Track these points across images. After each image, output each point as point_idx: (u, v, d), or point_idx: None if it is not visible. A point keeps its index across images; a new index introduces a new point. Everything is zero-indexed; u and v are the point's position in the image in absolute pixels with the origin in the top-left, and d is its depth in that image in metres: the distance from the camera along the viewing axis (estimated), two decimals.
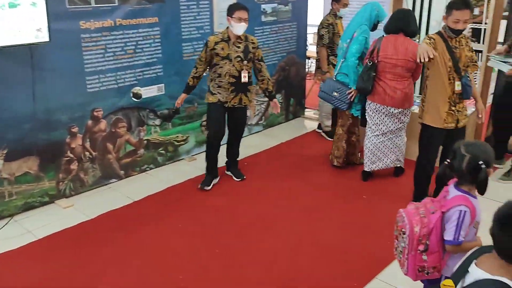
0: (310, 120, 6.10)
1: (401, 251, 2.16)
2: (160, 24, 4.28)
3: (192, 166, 4.64)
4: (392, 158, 4.24)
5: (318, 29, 5.09)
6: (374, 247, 3.26)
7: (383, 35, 4.02)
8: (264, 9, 5.25)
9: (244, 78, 3.94)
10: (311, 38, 7.74)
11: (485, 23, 4.71)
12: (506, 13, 4.78)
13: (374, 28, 4.31)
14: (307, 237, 3.43)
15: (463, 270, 1.56)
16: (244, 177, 4.36)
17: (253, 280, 2.96)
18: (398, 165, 4.33)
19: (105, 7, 3.88)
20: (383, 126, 4.11)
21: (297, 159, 4.88)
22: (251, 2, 5.07)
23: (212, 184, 4.16)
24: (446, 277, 1.92)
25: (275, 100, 4.21)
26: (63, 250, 3.28)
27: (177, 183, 4.30)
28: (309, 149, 5.14)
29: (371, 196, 4.04)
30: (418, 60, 3.19)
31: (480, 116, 3.62)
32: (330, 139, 5.31)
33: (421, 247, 2.07)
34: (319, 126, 5.59)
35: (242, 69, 3.92)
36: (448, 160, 2.09)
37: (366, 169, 4.30)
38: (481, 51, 4.71)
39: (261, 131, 5.67)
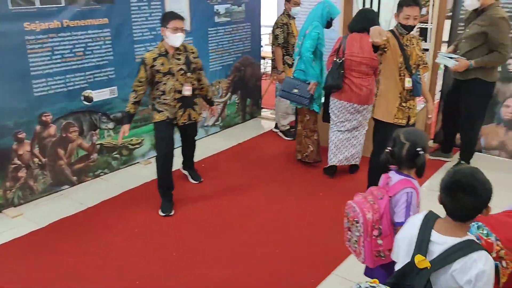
0: (267, 120, 6.13)
1: (356, 241, 2.20)
2: (110, 25, 4.18)
3: (148, 169, 4.55)
4: (352, 153, 4.33)
5: (273, 29, 5.13)
6: (331, 243, 3.31)
7: (347, 34, 4.09)
8: (217, 10, 5.23)
9: (187, 91, 3.65)
10: (266, 39, 7.79)
11: (431, 23, 4.87)
12: (450, 14, 4.98)
13: (328, 25, 4.38)
14: (265, 235, 3.44)
15: (425, 241, 1.66)
16: (202, 179, 4.31)
17: (212, 279, 2.95)
18: (356, 163, 4.42)
19: (51, 7, 3.74)
20: (348, 123, 4.20)
21: (255, 158, 4.90)
22: (204, 3, 5.06)
23: (173, 209, 3.81)
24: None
25: (214, 107, 4.13)
26: (13, 261, 3.14)
27: (132, 187, 4.22)
28: (267, 149, 5.17)
29: (328, 193, 4.10)
30: (370, 40, 3.23)
31: (429, 116, 3.75)
32: (287, 138, 5.37)
33: (375, 232, 2.13)
34: (276, 126, 5.63)
35: (187, 82, 3.65)
36: (389, 148, 2.20)
37: (330, 163, 4.37)
38: (427, 50, 4.89)
39: (218, 132, 5.65)
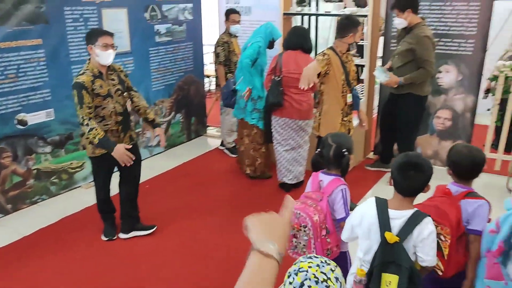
0: (213, 138, 6.13)
1: (304, 245, 2.30)
2: (45, 46, 4.05)
3: (90, 193, 4.38)
4: (300, 170, 4.40)
5: (215, 48, 5.18)
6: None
7: (282, 52, 4.19)
8: (157, 29, 5.21)
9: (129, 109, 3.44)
10: (209, 57, 7.83)
11: (366, 40, 5.10)
12: (383, 31, 5.24)
13: (270, 46, 4.50)
14: (213, 253, 3.41)
15: (386, 220, 1.97)
16: (155, 227, 3.74)
17: None
18: (302, 179, 4.49)
19: None
20: (292, 141, 4.27)
21: (201, 177, 4.87)
22: (144, 23, 5.03)
23: (116, 233, 3.66)
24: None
25: (158, 129, 3.58)
26: None
27: (73, 213, 4.06)
28: (213, 166, 5.15)
29: (276, 208, 4.13)
30: (301, 86, 3.40)
31: (364, 124, 3.94)
32: (233, 155, 5.38)
33: (323, 232, 2.29)
34: (222, 143, 5.64)
35: (126, 102, 3.41)
36: (319, 150, 2.46)
37: (280, 180, 4.45)
38: (363, 65, 5.11)
39: (162, 152, 5.57)
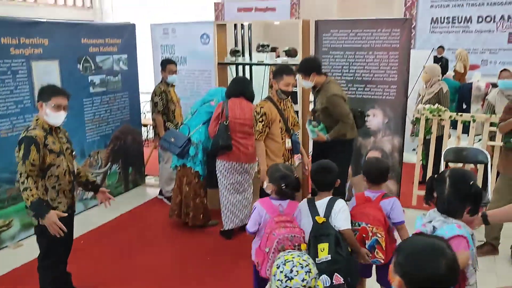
0: (152, 187, 6.02)
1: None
2: None
3: (18, 254, 4.14)
4: (245, 213, 4.43)
5: (152, 97, 5.20)
6: None
7: (226, 99, 4.33)
8: (92, 80, 5.17)
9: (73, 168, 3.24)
10: (147, 106, 7.82)
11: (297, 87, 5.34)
12: None
13: None
14: None
15: (314, 207, 2.76)
16: None
17: None
18: (246, 222, 4.50)
19: None
20: (238, 184, 4.32)
21: (140, 228, 4.74)
22: (77, 74, 4.98)
23: None
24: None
25: (103, 189, 3.46)
26: None
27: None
28: (152, 217, 5.04)
29: (216, 257, 4.10)
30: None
31: (306, 168, 4.09)
32: None
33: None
34: (161, 192, 5.56)
35: (74, 162, 3.26)
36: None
37: (225, 227, 4.42)
38: (297, 111, 5.31)
39: (98, 205, 5.35)
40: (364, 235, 2.77)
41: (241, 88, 4.34)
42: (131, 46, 5.71)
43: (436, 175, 2.26)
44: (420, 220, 2.21)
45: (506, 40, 13.65)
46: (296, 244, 2.61)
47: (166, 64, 5.17)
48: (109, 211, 5.08)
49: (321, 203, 2.75)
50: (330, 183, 2.80)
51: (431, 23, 14.51)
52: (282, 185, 2.80)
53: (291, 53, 5.36)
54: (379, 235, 2.71)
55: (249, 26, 5.69)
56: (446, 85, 5.42)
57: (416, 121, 4.93)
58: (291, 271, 1.78)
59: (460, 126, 4.71)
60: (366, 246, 2.77)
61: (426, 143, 4.95)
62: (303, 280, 1.76)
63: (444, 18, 14.34)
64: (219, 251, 4.22)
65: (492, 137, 4.62)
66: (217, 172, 4.38)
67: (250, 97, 4.38)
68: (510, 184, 3.80)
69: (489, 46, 14.41)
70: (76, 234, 4.17)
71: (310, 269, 1.80)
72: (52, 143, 2.99)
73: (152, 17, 6.10)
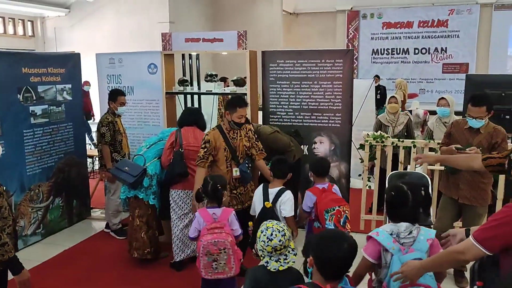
0: (98, 221, 5.79)
1: (225, 263, 3.09)
2: None
3: None
4: (196, 244, 4.33)
5: (98, 128, 5.06)
6: None
7: (179, 128, 4.33)
8: (33, 111, 4.97)
9: None
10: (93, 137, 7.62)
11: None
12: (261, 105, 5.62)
13: None
14: None
15: (266, 194, 3.55)
16: None
17: None
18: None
19: None
20: (191, 214, 4.24)
21: (86, 264, 4.53)
22: (17, 104, 4.78)
23: None
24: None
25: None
26: None
27: None
28: (99, 252, 4.83)
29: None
30: None
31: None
32: (120, 237, 5.13)
33: (235, 246, 3.13)
34: (107, 226, 5.36)
35: None
36: (200, 187, 3.41)
37: (177, 259, 4.30)
38: None
39: (39, 241, 5.11)
40: (339, 216, 3.34)
41: (193, 118, 4.41)
42: (76, 76, 5.58)
43: (392, 192, 2.47)
44: (389, 237, 2.34)
45: (440, 70, 14.58)
46: (221, 247, 3.05)
47: (117, 96, 5.07)
48: (52, 248, 4.89)
49: (273, 191, 3.52)
50: (283, 174, 3.55)
51: (372, 54, 15.28)
52: (200, 187, 3.41)
53: (239, 82, 5.44)
54: (347, 212, 3.40)
55: (197, 56, 5.74)
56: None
57: (361, 147, 5.10)
58: (271, 234, 2.40)
59: (402, 152, 4.92)
60: (341, 223, 3.33)
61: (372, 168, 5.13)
62: (279, 241, 2.39)
63: (384, 49, 15.15)
64: (170, 284, 4.10)
65: None
66: (171, 202, 4.30)
67: (203, 126, 4.45)
68: (451, 202, 4.00)
69: (426, 76, 15.32)
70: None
71: (285, 233, 2.43)
72: None
73: (97, 47, 6.01)
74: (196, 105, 5.71)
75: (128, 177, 4.32)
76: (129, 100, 5.63)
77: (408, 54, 15.63)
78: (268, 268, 2.40)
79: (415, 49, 15.45)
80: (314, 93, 5.13)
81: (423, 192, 2.67)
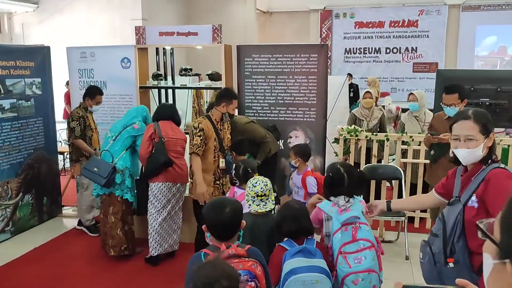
0: (70, 218, 5.66)
1: None
2: None
3: None
4: (174, 239, 4.34)
5: (68, 122, 4.95)
6: None
7: (155, 122, 4.26)
8: (1, 105, 4.82)
9: None
10: (64, 133, 7.45)
11: None
12: None
13: None
14: None
15: None
16: None
17: None
18: (177, 248, 4.40)
19: None
20: (169, 205, 4.22)
21: (57, 261, 4.42)
22: None
23: None
24: None
25: None
26: None
27: None
28: (71, 249, 4.72)
29: (143, 285, 3.91)
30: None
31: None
32: (93, 234, 5.02)
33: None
34: (80, 223, 5.24)
35: None
36: (233, 171, 3.47)
37: (153, 253, 4.23)
38: None
39: (8, 238, 4.95)
40: None
41: (169, 112, 4.37)
42: (46, 70, 5.44)
43: (330, 174, 2.72)
44: (328, 203, 2.66)
45: (411, 69, 14.89)
46: None
47: (96, 94, 4.96)
48: (21, 246, 4.76)
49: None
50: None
51: (344, 54, 15.47)
52: (232, 171, 3.51)
53: (214, 77, 5.41)
54: None
55: (171, 51, 5.68)
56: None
57: (335, 141, 5.15)
58: (256, 182, 2.79)
59: (375, 145, 4.99)
60: None
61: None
62: (261, 188, 2.76)
63: (356, 49, 15.36)
64: (147, 279, 4.03)
65: (403, 154, 4.97)
66: (150, 195, 4.23)
67: (178, 122, 4.41)
68: None
69: (397, 75, 15.60)
70: None
71: (267, 184, 2.80)
72: None
73: (67, 44, 5.86)
74: (170, 100, 5.65)
75: (99, 179, 4.23)
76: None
77: (380, 53, 15.85)
78: (250, 210, 2.76)
79: (386, 48, 15.69)
80: (289, 87, 5.14)
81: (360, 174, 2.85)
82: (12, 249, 4.66)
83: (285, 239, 2.52)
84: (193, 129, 3.92)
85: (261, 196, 2.77)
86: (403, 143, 4.93)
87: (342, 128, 5.06)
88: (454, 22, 14.16)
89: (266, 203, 2.78)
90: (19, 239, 4.98)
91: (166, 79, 5.57)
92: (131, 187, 4.37)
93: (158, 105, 5.49)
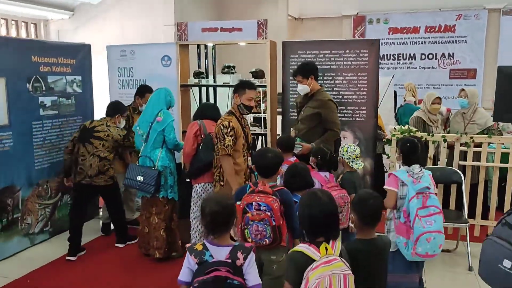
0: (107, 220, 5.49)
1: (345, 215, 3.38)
2: None
3: None
4: None
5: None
6: None
7: (201, 120, 4.05)
8: (42, 102, 4.71)
9: None
10: None
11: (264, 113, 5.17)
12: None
13: None
14: None
15: None
16: None
17: None
18: None
19: None
20: None
21: (99, 264, 4.24)
22: (26, 94, 4.53)
23: None
24: None
25: None
26: None
27: None
28: (110, 252, 4.53)
29: None
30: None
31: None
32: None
33: None
34: (104, 228, 5.07)
35: None
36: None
37: None
38: (266, 134, 5.13)
39: (47, 239, 4.81)
40: None
41: (211, 112, 4.16)
42: (86, 68, 5.33)
43: (407, 144, 3.20)
44: (404, 173, 3.14)
45: (447, 76, 14.43)
46: (346, 201, 3.36)
47: (145, 93, 4.80)
48: (60, 247, 4.61)
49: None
50: (272, 169, 2.94)
51: (379, 59, 15.06)
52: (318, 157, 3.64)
53: (258, 74, 5.21)
54: None
55: (214, 47, 5.51)
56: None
57: (387, 142, 4.85)
58: (354, 147, 3.69)
59: (431, 147, 4.67)
60: None
61: None
62: (359, 150, 3.68)
63: (390, 55, 15.00)
64: None
65: (464, 156, 4.64)
66: (194, 197, 4.00)
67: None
68: None
69: (432, 82, 15.14)
70: (21, 273, 3.69)
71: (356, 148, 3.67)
72: None
73: (108, 39, 5.78)
74: (211, 99, 5.47)
75: (147, 188, 4.04)
76: None
77: (415, 59, 15.47)
78: (352, 167, 3.67)
79: (421, 54, 15.30)
80: (337, 85, 4.90)
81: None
82: (49, 251, 4.51)
83: None
84: (222, 128, 3.55)
85: (359, 156, 3.72)
86: (461, 144, 4.60)
87: (395, 128, 4.76)
88: (494, 27, 13.68)
89: (358, 162, 3.69)
90: (57, 241, 4.83)
91: (207, 78, 5.39)
92: (173, 185, 4.18)
93: (198, 103, 5.33)
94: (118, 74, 5.62)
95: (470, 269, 4.06)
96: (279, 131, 5.18)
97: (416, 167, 3.13)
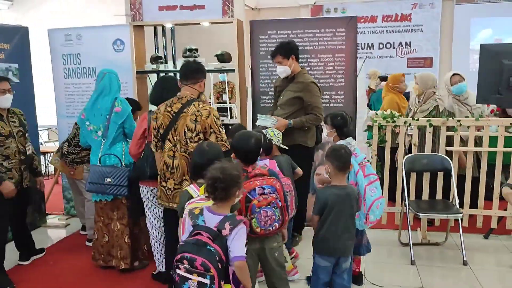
0: (56, 229, 4.81)
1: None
2: None
3: None
4: None
5: None
6: None
7: (150, 110, 3.48)
8: None
9: (29, 151, 3.74)
10: (45, 135, 6.62)
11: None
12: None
13: None
14: None
15: None
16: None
17: None
18: None
19: None
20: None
21: (42, 284, 3.59)
22: None
23: None
24: None
25: (41, 178, 4.00)
26: None
27: None
28: (60, 266, 3.89)
29: None
30: None
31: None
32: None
33: None
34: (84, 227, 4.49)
35: (27, 144, 3.71)
36: None
37: (161, 268, 3.42)
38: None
39: None
40: None
41: (171, 92, 3.11)
42: (24, 54, 4.61)
43: (338, 117, 3.31)
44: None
45: (405, 64, 14.47)
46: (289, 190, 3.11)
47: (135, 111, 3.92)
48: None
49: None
50: (255, 151, 2.71)
51: (357, 39, 14.88)
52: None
53: (224, 57, 4.67)
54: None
55: (172, 28, 4.92)
56: (443, 102, 4.54)
57: (368, 129, 4.47)
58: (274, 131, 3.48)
59: (416, 132, 4.33)
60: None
61: (380, 152, 4.50)
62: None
63: None
64: None
65: (449, 141, 4.32)
66: (143, 199, 3.42)
67: None
68: None
69: (391, 70, 15.08)
70: None
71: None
72: (1, 127, 3.50)
73: (49, 21, 5.07)
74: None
75: (120, 190, 3.46)
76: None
77: (373, 48, 15.46)
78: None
79: (379, 43, 15.30)
80: (312, 68, 4.48)
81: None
82: None
83: None
84: (215, 120, 2.91)
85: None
86: (448, 128, 4.28)
87: (377, 113, 4.39)
88: (448, 16, 13.84)
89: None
90: None
91: (166, 63, 4.81)
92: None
93: None
94: (64, 62, 4.93)
95: (464, 263, 3.75)
96: (249, 120, 4.70)
97: (351, 139, 3.21)
